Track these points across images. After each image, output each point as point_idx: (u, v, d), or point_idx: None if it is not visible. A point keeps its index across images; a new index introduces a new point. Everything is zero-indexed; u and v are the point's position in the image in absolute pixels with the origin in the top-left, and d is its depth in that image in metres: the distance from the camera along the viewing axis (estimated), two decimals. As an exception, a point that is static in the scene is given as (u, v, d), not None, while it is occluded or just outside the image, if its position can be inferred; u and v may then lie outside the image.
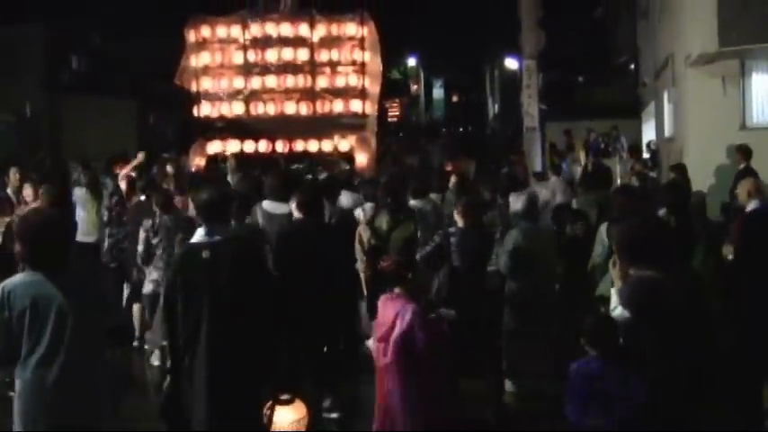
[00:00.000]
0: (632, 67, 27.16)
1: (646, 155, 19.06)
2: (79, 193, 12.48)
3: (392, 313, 6.11)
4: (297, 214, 8.29)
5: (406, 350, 6.00)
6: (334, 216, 9.74)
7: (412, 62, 65.82)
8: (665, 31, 17.71)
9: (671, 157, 16.20)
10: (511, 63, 34.28)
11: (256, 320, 5.51)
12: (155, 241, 9.56)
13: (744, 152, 12.81)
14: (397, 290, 6.26)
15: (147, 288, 9.72)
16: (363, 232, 9.35)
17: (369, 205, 10.17)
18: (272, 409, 5.69)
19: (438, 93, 67.55)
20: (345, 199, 10.97)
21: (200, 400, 5.42)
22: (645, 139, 21.67)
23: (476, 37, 46.27)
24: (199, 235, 5.64)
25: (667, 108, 17.83)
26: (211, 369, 5.40)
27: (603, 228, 8.09)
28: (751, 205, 8.00)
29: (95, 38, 31.64)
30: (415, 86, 66.46)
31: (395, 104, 61.35)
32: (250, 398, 5.55)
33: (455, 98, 69.22)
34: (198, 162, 18.58)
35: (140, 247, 9.65)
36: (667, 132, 17.92)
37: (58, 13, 27.67)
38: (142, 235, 9.62)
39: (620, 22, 29.28)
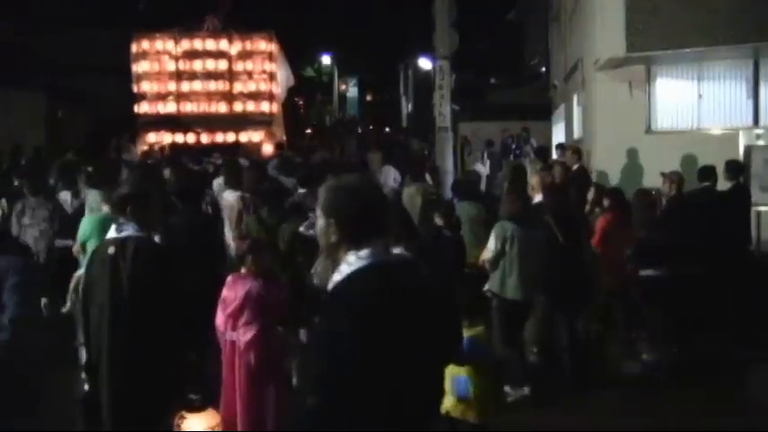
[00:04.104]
0: (543, 69, 27.54)
1: (555, 156, 19.35)
2: None
3: (242, 291, 6.52)
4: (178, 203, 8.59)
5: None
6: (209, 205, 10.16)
7: (326, 60, 65.38)
8: (575, 34, 18.00)
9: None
10: (425, 63, 34.52)
11: (161, 320, 5.38)
12: (25, 221, 10.49)
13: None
14: (243, 270, 6.72)
15: None
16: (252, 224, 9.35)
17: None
18: (181, 418, 5.63)
19: (352, 91, 67.40)
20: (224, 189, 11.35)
21: (105, 401, 5.37)
22: (555, 141, 22.00)
23: (390, 36, 46.35)
24: (111, 231, 5.60)
25: (576, 111, 18.11)
26: (113, 368, 5.33)
27: (499, 225, 8.61)
28: (536, 199, 10.21)
29: (4, 27, 30.56)
30: (344, 86, 66.12)
31: (301, 102, 60.95)
32: (155, 401, 5.44)
33: (369, 97, 69.24)
34: (140, 149, 22.39)
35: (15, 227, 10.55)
36: (576, 135, 18.23)
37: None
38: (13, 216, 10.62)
39: (533, 25, 29.67)
